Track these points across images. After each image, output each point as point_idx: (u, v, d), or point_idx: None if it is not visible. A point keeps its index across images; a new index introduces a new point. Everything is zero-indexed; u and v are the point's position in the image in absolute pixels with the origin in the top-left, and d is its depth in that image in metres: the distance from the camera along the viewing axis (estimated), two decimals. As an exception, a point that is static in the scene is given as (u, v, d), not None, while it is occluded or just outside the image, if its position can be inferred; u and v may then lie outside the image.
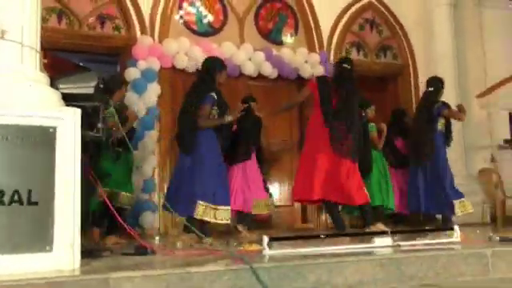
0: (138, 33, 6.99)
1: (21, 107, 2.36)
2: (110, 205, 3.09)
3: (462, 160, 8.07)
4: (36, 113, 2.37)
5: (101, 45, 6.91)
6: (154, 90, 6.72)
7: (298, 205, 7.65)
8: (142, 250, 3.12)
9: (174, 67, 6.99)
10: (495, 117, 8.72)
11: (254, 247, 3.32)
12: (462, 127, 8.02)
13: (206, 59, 5.27)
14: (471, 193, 7.80)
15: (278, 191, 7.60)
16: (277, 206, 7.10)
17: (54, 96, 2.57)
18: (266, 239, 3.04)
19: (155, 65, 6.81)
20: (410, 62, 8.63)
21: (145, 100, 6.60)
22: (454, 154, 7.71)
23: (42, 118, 2.37)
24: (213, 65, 5.02)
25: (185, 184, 4.65)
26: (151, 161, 6.55)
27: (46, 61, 2.90)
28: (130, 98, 6.42)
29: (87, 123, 2.77)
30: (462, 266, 2.85)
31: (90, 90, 2.95)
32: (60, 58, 4.68)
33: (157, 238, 5.39)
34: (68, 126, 2.41)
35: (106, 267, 2.53)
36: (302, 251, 3.05)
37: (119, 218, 3.14)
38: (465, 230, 6.66)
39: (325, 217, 7.38)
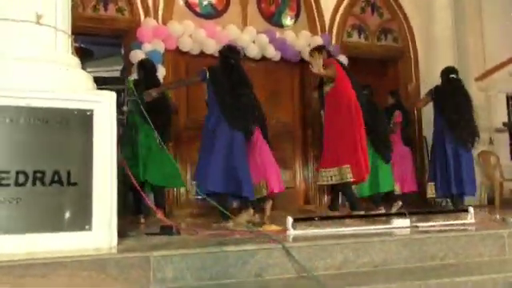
0: (142, 15, 6.97)
1: (59, 91, 2.40)
2: (137, 187, 3.14)
3: (461, 142, 8.18)
4: (74, 96, 2.42)
5: (104, 27, 6.88)
6: (159, 72, 6.71)
7: (300, 186, 7.75)
8: (167, 230, 3.18)
9: (178, 49, 7.00)
10: (494, 100, 8.84)
11: (274, 228, 3.40)
12: (462, 110, 8.12)
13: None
14: (470, 174, 7.96)
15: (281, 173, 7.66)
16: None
17: (88, 80, 2.62)
18: (290, 220, 3.12)
19: (160, 47, 6.81)
20: (411, 45, 8.69)
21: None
22: (453, 137, 7.85)
23: (79, 102, 2.42)
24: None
25: None
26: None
27: (77, 45, 2.93)
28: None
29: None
30: (480, 246, 2.96)
31: (116, 73, 2.99)
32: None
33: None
34: (105, 108, 2.46)
35: (142, 246, 2.60)
36: (324, 231, 3.13)
37: (147, 201, 3.20)
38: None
39: (326, 198, 7.48)
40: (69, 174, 2.38)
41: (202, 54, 7.04)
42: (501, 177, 8.19)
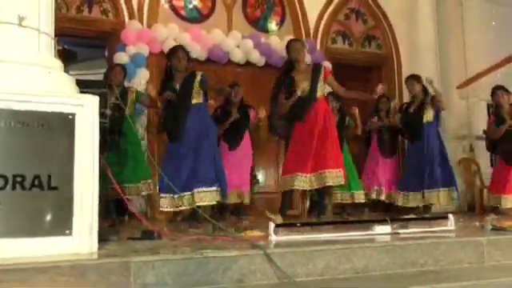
0: (127, 17, 6.95)
1: (41, 94, 2.38)
2: (120, 192, 3.12)
3: (442, 150, 8.27)
4: (56, 99, 2.39)
5: (88, 29, 6.85)
6: (143, 75, 6.70)
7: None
8: (148, 235, 3.16)
9: (162, 53, 6.96)
10: (474, 107, 8.94)
11: (255, 234, 3.39)
12: (444, 118, 8.22)
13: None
14: (451, 181, 8.04)
15: (264, 178, 7.69)
16: (262, 193, 7.22)
17: (70, 83, 2.60)
18: (272, 226, 3.12)
19: (144, 50, 6.80)
20: (394, 52, 8.78)
21: (134, 85, 6.57)
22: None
23: (61, 105, 2.40)
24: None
25: None
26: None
27: (60, 47, 2.90)
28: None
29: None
30: (460, 253, 2.98)
31: (100, 77, 2.97)
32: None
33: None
34: (87, 112, 2.44)
35: (123, 251, 2.58)
36: (306, 237, 3.14)
37: (129, 206, 3.18)
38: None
39: (309, 203, 7.49)
40: (49, 178, 2.36)
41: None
42: (481, 184, 8.29)
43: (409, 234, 3.33)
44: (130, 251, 2.55)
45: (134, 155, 5.55)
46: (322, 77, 5.25)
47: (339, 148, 5.26)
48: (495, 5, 9.21)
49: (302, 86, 5.16)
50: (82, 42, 6.90)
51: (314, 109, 5.09)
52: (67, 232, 2.38)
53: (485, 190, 8.21)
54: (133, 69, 6.64)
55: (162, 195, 4.86)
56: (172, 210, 4.89)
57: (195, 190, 4.73)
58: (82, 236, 2.42)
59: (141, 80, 6.61)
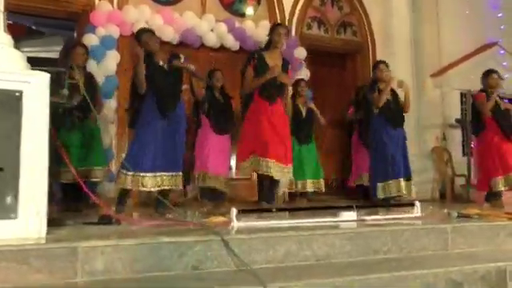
0: (97, -2, 6.75)
1: (-15, 69, 2.24)
2: (77, 177, 3.00)
3: (415, 138, 8.27)
4: (1, 76, 2.25)
5: (57, 9, 6.61)
6: (113, 58, 6.52)
7: (255, 178, 7.66)
8: (106, 220, 3.06)
9: (133, 35, 6.78)
10: (448, 96, 8.95)
11: (220, 219, 3.31)
12: (417, 106, 8.22)
13: None
14: (423, 170, 8.07)
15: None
16: (234, 179, 7.11)
17: (21, 60, 2.46)
18: (234, 211, 3.03)
19: (114, 32, 6.61)
20: (369, 39, 8.71)
21: (103, 68, 6.40)
22: (408, 132, 7.92)
23: (7, 82, 2.27)
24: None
25: None
26: (110, 131, 6.40)
27: (11, 22, 2.75)
28: (89, 65, 6.22)
29: (51, 89, 2.65)
30: (424, 240, 2.94)
31: (55, 55, 2.84)
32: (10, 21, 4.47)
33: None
34: (35, 90, 2.31)
35: (73, 236, 2.47)
36: (269, 224, 3.06)
37: (86, 189, 3.06)
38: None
39: (282, 191, 7.43)
40: (-6, 158, 2.23)
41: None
42: (452, 172, 8.34)
43: (374, 220, 3.28)
44: (80, 237, 2.45)
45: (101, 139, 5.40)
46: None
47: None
48: (470, -6, 9.21)
49: (274, 68, 5.08)
50: (50, 23, 6.70)
51: (281, 94, 5.03)
52: (12, 215, 2.27)
53: (456, 179, 8.27)
54: (102, 51, 6.46)
55: (129, 173, 4.37)
56: (136, 189, 4.61)
57: (169, 173, 4.54)
58: (29, 220, 2.30)
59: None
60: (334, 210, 3.38)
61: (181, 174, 4.61)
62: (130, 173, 4.42)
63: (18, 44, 2.56)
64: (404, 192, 5.72)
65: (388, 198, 5.62)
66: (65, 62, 3.20)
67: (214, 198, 6.14)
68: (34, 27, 6.74)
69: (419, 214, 3.50)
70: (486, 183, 6.14)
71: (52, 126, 2.45)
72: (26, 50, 2.65)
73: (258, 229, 2.90)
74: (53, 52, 2.77)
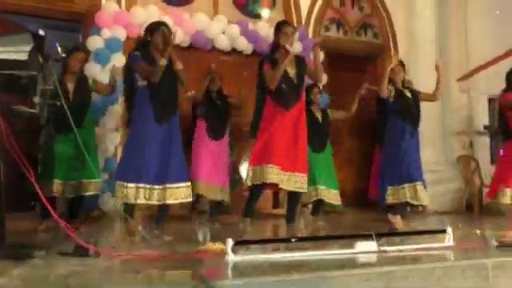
0: (103, -3, 6.43)
1: None
2: (40, 193, 2.61)
3: (440, 145, 7.81)
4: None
5: (60, 9, 6.32)
6: (118, 61, 6.17)
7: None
8: (82, 252, 2.62)
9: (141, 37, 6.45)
10: (475, 101, 8.47)
11: (218, 246, 2.90)
12: (442, 112, 7.76)
13: None
14: (449, 179, 7.61)
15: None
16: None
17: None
18: (230, 243, 2.59)
19: (121, 34, 6.29)
20: (391, 42, 8.26)
21: (108, 72, 6.05)
22: (433, 139, 7.46)
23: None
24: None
25: None
26: (114, 138, 6.06)
27: None
28: (92, 68, 5.91)
29: (21, 96, 2.29)
30: (460, 279, 2.49)
31: (24, 56, 2.47)
32: (10, 23, 4.11)
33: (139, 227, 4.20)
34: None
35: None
36: (272, 257, 2.62)
37: (51, 210, 2.66)
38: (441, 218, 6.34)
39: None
40: None
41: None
42: (480, 182, 7.84)
43: (398, 252, 2.82)
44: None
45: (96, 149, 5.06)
46: (306, 69, 4.74)
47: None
48: (499, -7, 8.70)
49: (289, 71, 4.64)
50: (52, 24, 6.36)
51: (299, 100, 4.59)
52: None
53: (484, 189, 7.77)
54: (107, 54, 6.14)
55: (130, 185, 4.07)
56: (140, 202, 4.22)
57: (168, 185, 4.15)
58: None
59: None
60: (349, 239, 2.91)
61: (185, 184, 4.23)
62: (131, 184, 4.08)
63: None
64: (421, 199, 5.11)
65: (398, 205, 5.04)
66: (37, 62, 2.81)
67: (212, 211, 5.78)
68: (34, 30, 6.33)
69: (451, 244, 3.04)
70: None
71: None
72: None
73: (258, 264, 2.45)
74: (21, 53, 2.40)
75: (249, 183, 4.48)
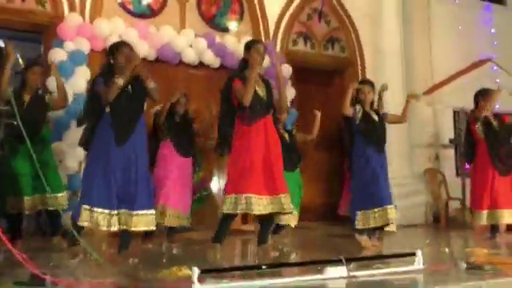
0: (66, 9, 6.27)
1: None
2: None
3: (406, 159, 7.85)
4: None
5: (21, 20, 6.13)
6: (82, 74, 6.03)
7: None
8: (38, 281, 2.45)
9: (105, 50, 6.29)
10: (441, 114, 8.59)
11: (183, 272, 2.79)
12: (409, 125, 7.82)
13: None
14: (416, 192, 7.67)
15: (218, 187, 7.05)
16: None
17: None
18: (196, 272, 2.47)
19: (84, 47, 6.13)
20: (358, 56, 8.30)
21: (72, 85, 5.88)
22: (400, 153, 7.50)
23: None
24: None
25: None
26: (77, 154, 5.86)
27: None
28: (55, 82, 5.72)
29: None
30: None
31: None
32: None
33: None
34: None
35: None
36: (241, 285, 2.53)
37: (2, 237, 2.51)
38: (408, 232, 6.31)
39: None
40: None
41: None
42: (447, 195, 7.93)
43: (368, 276, 2.77)
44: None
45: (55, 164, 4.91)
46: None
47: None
48: (462, 9, 8.87)
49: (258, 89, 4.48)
50: (13, 35, 6.15)
51: (267, 119, 4.43)
52: None
53: (450, 202, 7.83)
54: (71, 67, 5.97)
55: (97, 209, 3.87)
56: (103, 228, 4.07)
57: (132, 212, 4.01)
58: None
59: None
60: (318, 264, 2.83)
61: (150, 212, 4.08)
62: (97, 209, 3.93)
63: None
64: (391, 219, 5.05)
65: (368, 230, 4.98)
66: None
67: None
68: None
69: (421, 266, 3.01)
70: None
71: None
72: None
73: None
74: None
75: (224, 211, 4.23)
